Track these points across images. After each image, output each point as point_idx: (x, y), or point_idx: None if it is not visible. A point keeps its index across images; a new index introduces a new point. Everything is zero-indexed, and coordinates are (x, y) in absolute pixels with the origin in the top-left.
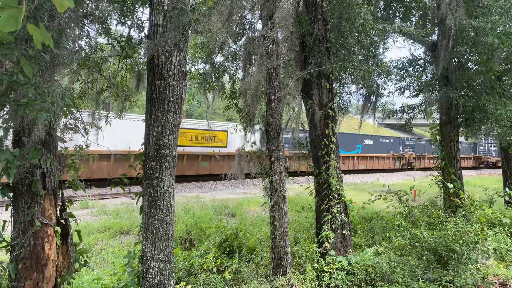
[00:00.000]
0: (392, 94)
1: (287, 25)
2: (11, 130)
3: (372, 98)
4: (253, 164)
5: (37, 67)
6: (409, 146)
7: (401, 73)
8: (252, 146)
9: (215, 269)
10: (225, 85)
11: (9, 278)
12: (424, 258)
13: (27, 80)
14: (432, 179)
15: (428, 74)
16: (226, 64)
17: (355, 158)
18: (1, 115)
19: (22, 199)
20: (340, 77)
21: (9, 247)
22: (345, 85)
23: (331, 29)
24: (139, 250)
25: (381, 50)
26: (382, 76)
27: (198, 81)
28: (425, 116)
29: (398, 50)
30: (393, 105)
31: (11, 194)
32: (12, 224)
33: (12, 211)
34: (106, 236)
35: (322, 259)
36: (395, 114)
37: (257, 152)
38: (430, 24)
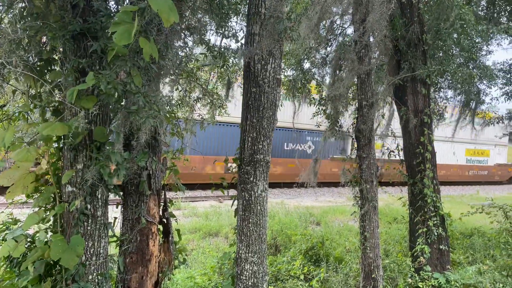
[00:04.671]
0: (497, 100)
1: (380, 29)
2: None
3: (471, 104)
4: (342, 172)
5: (146, 77)
6: None
7: (508, 76)
8: (340, 153)
9: (302, 277)
10: (311, 91)
11: (118, 270)
12: None
13: (138, 89)
14: None
15: None
16: (313, 70)
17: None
18: (114, 121)
19: (131, 198)
20: (436, 81)
21: (118, 242)
22: (440, 90)
23: (428, 31)
24: (233, 252)
25: (483, 52)
26: (485, 81)
27: (287, 87)
28: None
29: (504, 51)
30: (495, 112)
31: (121, 194)
32: (121, 221)
33: (122, 209)
34: (197, 237)
35: (416, 275)
36: (500, 121)
37: (346, 159)
38: None
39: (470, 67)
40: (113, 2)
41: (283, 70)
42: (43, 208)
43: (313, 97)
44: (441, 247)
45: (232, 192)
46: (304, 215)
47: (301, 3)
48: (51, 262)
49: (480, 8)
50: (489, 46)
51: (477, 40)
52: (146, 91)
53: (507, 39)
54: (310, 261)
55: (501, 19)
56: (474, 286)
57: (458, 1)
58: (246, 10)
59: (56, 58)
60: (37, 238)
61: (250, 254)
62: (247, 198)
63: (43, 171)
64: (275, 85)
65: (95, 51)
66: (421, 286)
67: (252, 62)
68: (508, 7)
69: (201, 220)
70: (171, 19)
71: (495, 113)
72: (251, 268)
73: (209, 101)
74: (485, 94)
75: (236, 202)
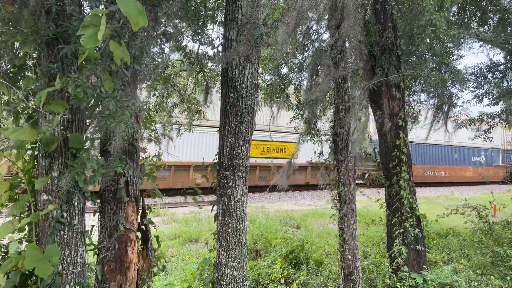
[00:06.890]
0: (469, 103)
1: (355, 34)
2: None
3: (444, 107)
4: (321, 175)
5: (120, 82)
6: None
7: (479, 80)
8: (319, 157)
9: (282, 280)
10: (290, 96)
11: (96, 279)
12: (509, 278)
13: (108, 94)
14: None
15: (509, 81)
16: (291, 75)
17: None
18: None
19: (108, 205)
20: (410, 85)
21: (96, 250)
22: (414, 93)
23: (401, 37)
24: (213, 258)
25: (455, 56)
26: (457, 85)
27: (265, 92)
28: (507, 125)
29: (474, 56)
30: (467, 115)
31: (98, 201)
32: (98, 228)
33: (99, 217)
34: (176, 243)
35: (394, 275)
36: (472, 124)
37: (325, 163)
38: (510, 28)
39: (443, 71)
40: (87, 7)
41: (261, 75)
42: (17, 217)
43: (291, 102)
44: (417, 247)
45: (212, 197)
46: (284, 219)
47: (277, 9)
48: (26, 272)
49: (451, 14)
50: (460, 51)
51: (448, 45)
52: (119, 95)
53: (477, 43)
54: (290, 264)
55: (472, 24)
56: (450, 285)
57: (429, 8)
58: (222, 17)
59: (30, 64)
60: (11, 248)
61: (230, 259)
62: (226, 203)
63: (16, 178)
64: (252, 90)
65: (66, 55)
66: (399, 287)
67: (229, 68)
68: (478, 13)
69: (181, 226)
70: (139, 23)
71: (467, 116)
72: (231, 273)
73: (186, 106)
74: (457, 97)
75: (215, 207)
